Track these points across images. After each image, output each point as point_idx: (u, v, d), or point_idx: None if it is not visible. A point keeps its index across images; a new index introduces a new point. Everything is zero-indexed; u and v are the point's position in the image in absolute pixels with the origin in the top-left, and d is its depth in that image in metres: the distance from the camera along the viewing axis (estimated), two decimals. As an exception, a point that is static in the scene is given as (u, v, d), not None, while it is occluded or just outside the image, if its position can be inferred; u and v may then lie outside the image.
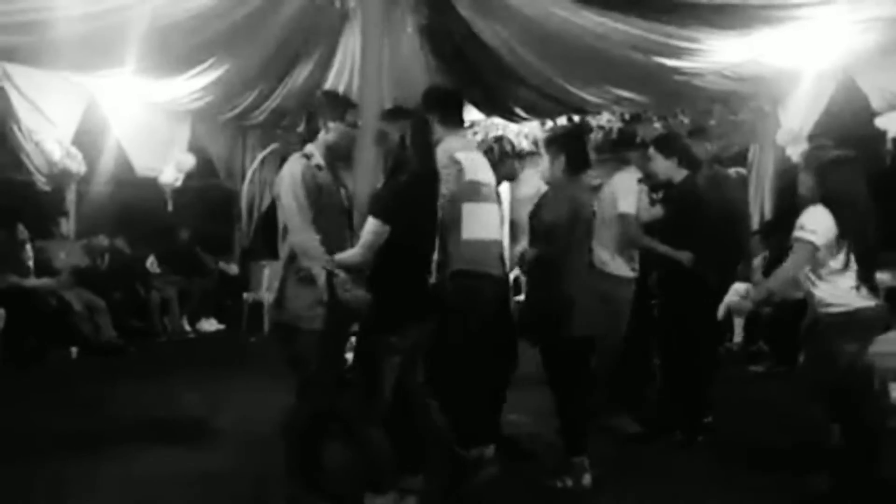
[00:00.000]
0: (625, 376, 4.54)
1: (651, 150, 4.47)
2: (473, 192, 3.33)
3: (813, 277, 3.28)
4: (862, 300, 3.25)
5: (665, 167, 4.38)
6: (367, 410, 2.97)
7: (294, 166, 2.95)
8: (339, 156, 3.17)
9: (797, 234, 3.23)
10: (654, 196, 4.63)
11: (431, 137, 3.16)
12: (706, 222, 4.34)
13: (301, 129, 3.30)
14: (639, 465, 3.90)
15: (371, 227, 2.85)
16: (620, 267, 4.41)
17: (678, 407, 4.36)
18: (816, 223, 3.20)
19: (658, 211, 4.44)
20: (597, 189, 5.15)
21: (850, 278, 3.23)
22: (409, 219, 2.91)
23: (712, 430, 4.29)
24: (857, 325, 3.26)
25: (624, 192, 4.41)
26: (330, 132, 3.05)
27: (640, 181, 4.49)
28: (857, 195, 3.34)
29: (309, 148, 3.05)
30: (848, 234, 3.21)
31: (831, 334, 3.26)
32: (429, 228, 3.11)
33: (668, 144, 4.50)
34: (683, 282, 4.19)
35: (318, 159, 3.01)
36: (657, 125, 7.82)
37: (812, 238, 3.18)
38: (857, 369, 3.27)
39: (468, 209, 3.30)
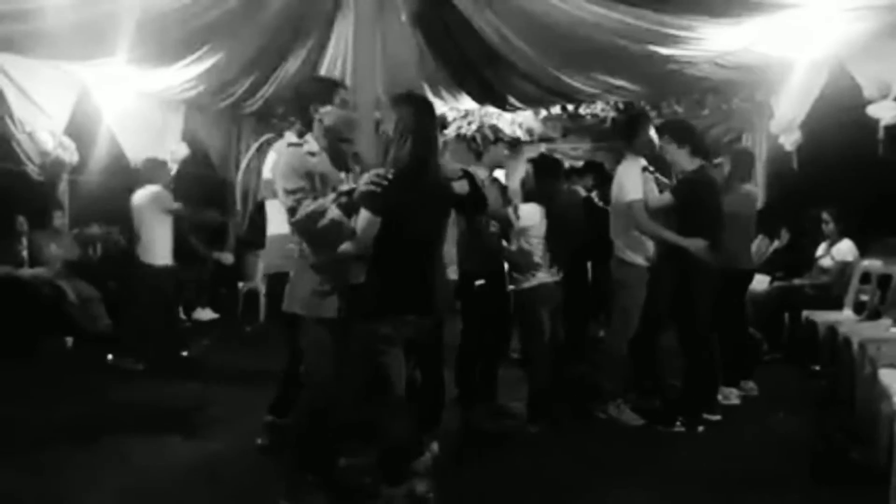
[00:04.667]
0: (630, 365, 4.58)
1: (665, 138, 4.48)
2: None
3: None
4: (548, 277, 4.30)
5: (678, 155, 4.41)
6: (380, 400, 2.96)
7: (282, 155, 2.92)
8: (341, 139, 3.07)
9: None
10: (668, 182, 4.67)
11: (430, 125, 3.00)
12: (718, 211, 4.40)
13: (294, 118, 3.09)
14: (642, 456, 3.90)
15: (361, 219, 2.78)
16: (633, 255, 4.43)
17: (683, 396, 4.38)
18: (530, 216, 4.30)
19: (667, 197, 4.43)
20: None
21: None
22: (401, 210, 2.80)
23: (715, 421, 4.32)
24: (546, 296, 4.31)
25: (629, 181, 4.41)
26: (323, 117, 3.00)
27: (644, 169, 4.49)
28: (555, 195, 4.50)
29: (307, 136, 3.00)
30: (552, 227, 4.32)
31: (530, 304, 4.30)
32: (427, 221, 2.98)
33: (681, 133, 4.50)
34: (692, 269, 4.23)
35: (312, 146, 2.96)
36: (651, 114, 7.82)
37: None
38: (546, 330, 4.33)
39: None
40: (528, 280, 4.30)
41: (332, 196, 2.83)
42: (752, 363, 5.22)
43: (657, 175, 4.62)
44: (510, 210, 4.31)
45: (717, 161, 5.64)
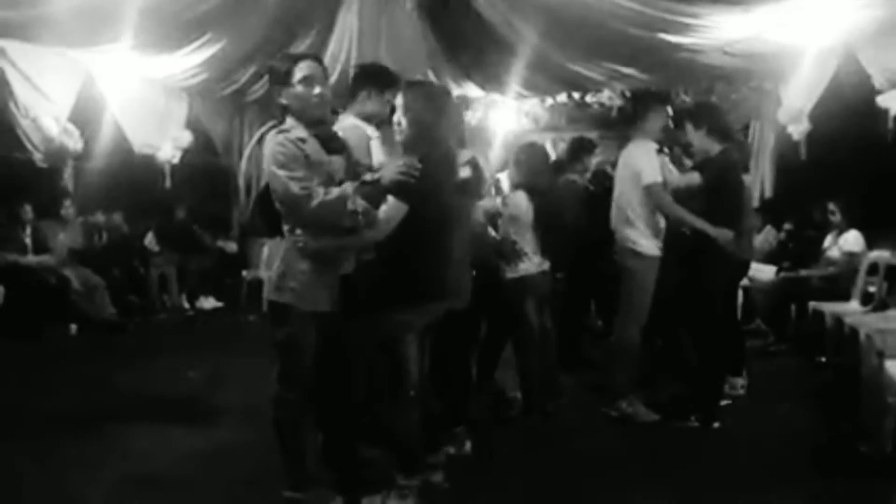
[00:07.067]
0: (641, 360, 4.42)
1: (687, 122, 4.32)
2: None
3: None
4: (535, 267, 4.12)
5: (698, 138, 4.23)
6: (394, 392, 2.92)
7: (270, 145, 2.69)
8: (313, 121, 2.76)
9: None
10: (688, 162, 4.53)
11: (453, 112, 3.01)
12: (740, 199, 4.29)
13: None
14: (655, 453, 3.81)
15: (389, 207, 2.76)
16: (648, 244, 4.19)
17: (695, 390, 4.25)
18: (517, 206, 4.10)
19: (695, 177, 4.20)
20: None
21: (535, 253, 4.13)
22: (428, 198, 2.79)
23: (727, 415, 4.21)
24: (532, 286, 4.13)
25: (644, 164, 4.12)
26: (288, 100, 2.72)
27: (659, 151, 4.26)
28: (545, 184, 4.25)
29: (288, 122, 2.74)
30: (540, 216, 4.11)
31: (515, 295, 4.09)
32: (449, 207, 2.96)
33: (700, 115, 4.32)
34: (712, 258, 4.05)
35: (300, 132, 2.70)
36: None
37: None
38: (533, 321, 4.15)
39: None
40: (514, 270, 4.11)
41: (351, 185, 2.71)
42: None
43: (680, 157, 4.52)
44: (499, 200, 4.17)
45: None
